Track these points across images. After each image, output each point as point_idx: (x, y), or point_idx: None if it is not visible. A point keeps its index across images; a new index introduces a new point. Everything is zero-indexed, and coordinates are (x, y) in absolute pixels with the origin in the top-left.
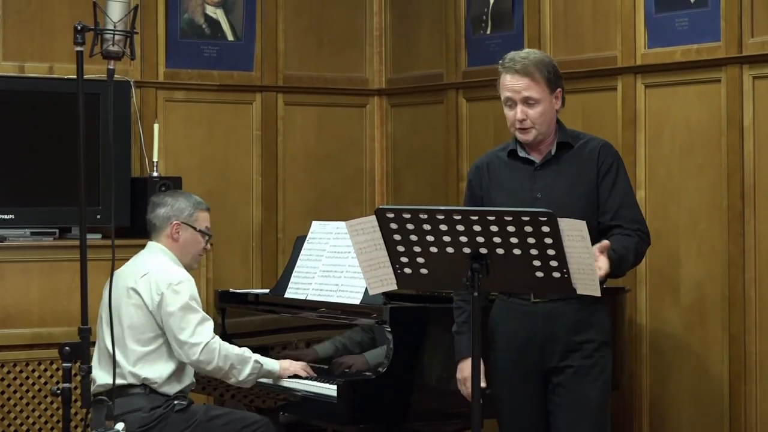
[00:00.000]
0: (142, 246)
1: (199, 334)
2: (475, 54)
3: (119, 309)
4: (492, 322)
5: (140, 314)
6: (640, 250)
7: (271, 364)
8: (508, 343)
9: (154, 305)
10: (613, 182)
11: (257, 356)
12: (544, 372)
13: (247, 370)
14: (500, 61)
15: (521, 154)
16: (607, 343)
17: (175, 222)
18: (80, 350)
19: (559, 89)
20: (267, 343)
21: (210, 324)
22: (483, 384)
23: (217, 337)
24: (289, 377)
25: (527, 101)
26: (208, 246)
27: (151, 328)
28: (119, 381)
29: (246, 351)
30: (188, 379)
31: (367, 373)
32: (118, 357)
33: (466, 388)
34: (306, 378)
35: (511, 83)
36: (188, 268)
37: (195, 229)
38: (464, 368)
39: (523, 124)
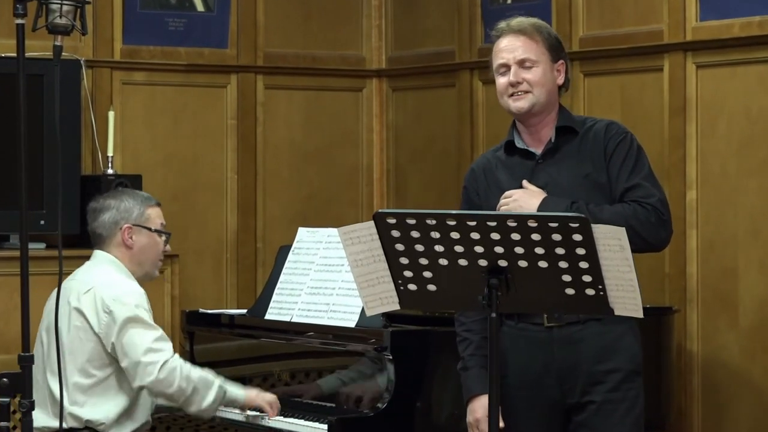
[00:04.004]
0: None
1: (157, 352)
2: (493, 28)
3: (60, 332)
4: (501, 354)
5: (84, 338)
6: (626, 216)
7: (236, 390)
8: (520, 377)
9: (102, 326)
10: (621, 163)
11: (221, 380)
12: (565, 410)
13: (211, 396)
14: (493, 30)
15: (519, 144)
16: (638, 372)
17: (125, 226)
18: (20, 382)
19: (561, 61)
20: (244, 374)
21: (169, 343)
22: (501, 424)
23: (177, 356)
24: (257, 411)
25: (523, 63)
26: (167, 247)
27: (98, 355)
28: (57, 424)
29: (209, 373)
30: (143, 416)
31: (363, 410)
32: (57, 392)
33: (481, 430)
34: (289, 411)
35: (505, 45)
36: (148, 278)
37: (150, 229)
38: (476, 408)
39: (517, 88)
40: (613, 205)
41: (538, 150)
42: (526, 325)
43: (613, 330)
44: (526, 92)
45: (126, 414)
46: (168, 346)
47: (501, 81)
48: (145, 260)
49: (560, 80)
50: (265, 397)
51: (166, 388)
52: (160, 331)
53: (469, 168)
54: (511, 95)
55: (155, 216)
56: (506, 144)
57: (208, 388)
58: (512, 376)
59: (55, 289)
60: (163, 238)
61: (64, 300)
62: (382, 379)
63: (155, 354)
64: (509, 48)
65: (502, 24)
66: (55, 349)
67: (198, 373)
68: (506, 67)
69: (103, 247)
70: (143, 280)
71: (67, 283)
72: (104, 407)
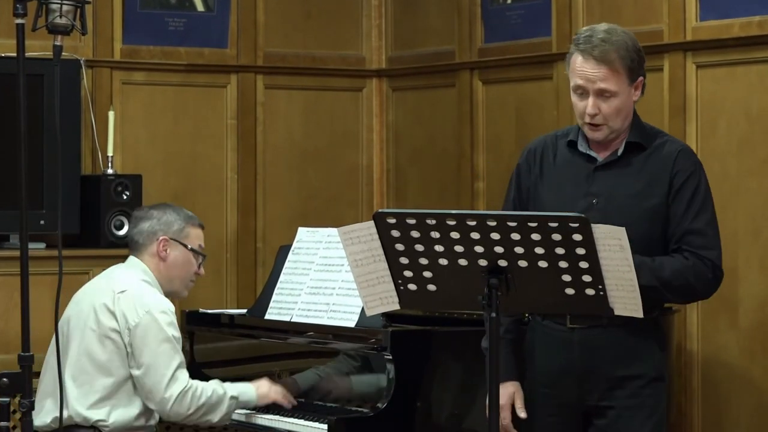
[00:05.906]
0: (94, 257)
1: (176, 381)
2: (493, 27)
3: (83, 332)
4: (527, 347)
5: (111, 338)
6: (686, 273)
7: (247, 394)
8: (542, 375)
9: (128, 327)
10: (688, 201)
11: (230, 388)
12: (583, 411)
13: (222, 410)
14: (574, 37)
15: (581, 148)
16: (661, 379)
17: (162, 237)
18: (20, 382)
19: (640, 78)
20: (244, 374)
21: (186, 372)
22: (523, 414)
23: (192, 382)
24: (268, 407)
25: (602, 94)
26: (201, 270)
27: (120, 357)
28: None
29: (217, 387)
30: (152, 419)
31: (363, 409)
32: (71, 393)
33: (502, 417)
34: (288, 411)
35: (585, 70)
36: (175, 296)
37: (186, 247)
38: (503, 394)
39: (594, 120)
40: (672, 260)
41: (600, 155)
42: (551, 323)
43: (635, 336)
44: (603, 124)
45: (138, 418)
46: (185, 375)
47: (578, 104)
48: (175, 276)
49: (636, 96)
50: (277, 393)
51: (175, 417)
52: (181, 356)
53: (525, 147)
54: (588, 123)
55: (195, 236)
56: (569, 141)
57: (218, 404)
58: (536, 371)
59: (79, 290)
60: (199, 259)
61: (91, 300)
62: (382, 378)
63: (174, 384)
64: (588, 75)
65: (584, 40)
66: (74, 349)
67: (207, 392)
68: (584, 90)
69: (137, 254)
70: (169, 297)
71: (96, 283)
72: (117, 412)
